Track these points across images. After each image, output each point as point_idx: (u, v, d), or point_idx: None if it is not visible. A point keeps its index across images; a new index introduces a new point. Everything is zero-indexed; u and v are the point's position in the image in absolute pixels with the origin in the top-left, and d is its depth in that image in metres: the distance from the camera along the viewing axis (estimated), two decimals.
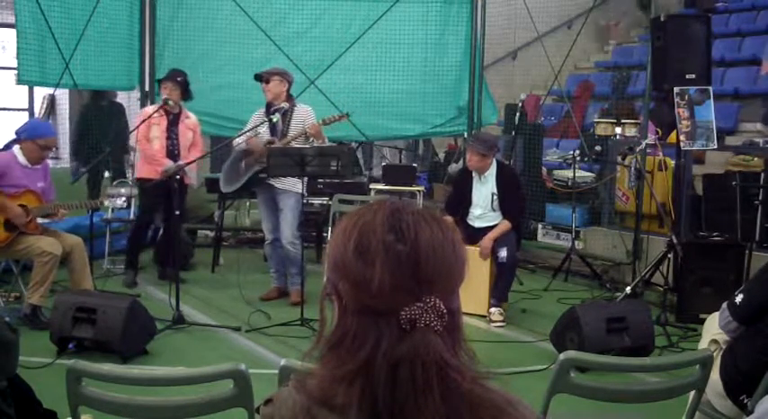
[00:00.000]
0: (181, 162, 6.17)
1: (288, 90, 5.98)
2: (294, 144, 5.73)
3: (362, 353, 1.08)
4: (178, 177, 5.64)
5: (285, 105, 5.86)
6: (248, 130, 5.87)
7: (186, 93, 6.42)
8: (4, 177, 5.21)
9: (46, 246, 5.08)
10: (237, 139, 5.97)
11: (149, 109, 6.57)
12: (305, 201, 5.96)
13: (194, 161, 6.22)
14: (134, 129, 6.27)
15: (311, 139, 5.83)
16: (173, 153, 6.35)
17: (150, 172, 6.27)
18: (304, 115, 5.90)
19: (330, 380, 1.10)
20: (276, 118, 5.77)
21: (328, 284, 1.17)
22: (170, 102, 6.24)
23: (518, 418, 1.14)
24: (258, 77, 6.03)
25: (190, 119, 6.50)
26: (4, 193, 5.19)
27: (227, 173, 6.14)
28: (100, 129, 8.25)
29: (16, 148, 5.39)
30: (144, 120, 6.22)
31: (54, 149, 5.69)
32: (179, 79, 6.37)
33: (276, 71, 6.00)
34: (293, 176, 5.61)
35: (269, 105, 5.93)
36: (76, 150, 8.57)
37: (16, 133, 5.46)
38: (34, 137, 5.31)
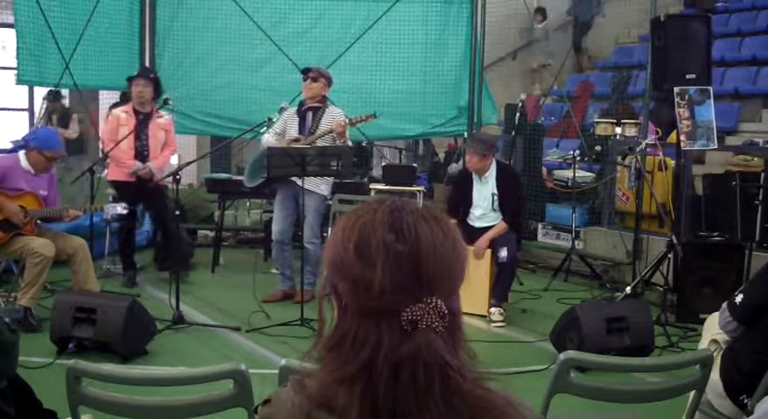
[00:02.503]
0: (150, 164, 6.20)
1: (324, 94, 6.00)
2: (320, 143, 5.74)
3: (363, 355, 1.08)
4: (142, 176, 5.63)
5: (285, 104, 5.89)
6: (251, 129, 5.90)
7: (158, 92, 6.38)
8: (4, 180, 5.20)
9: (38, 247, 5.06)
10: (265, 136, 5.99)
11: (118, 110, 6.49)
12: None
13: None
14: (128, 134, 6.22)
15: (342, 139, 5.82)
16: (141, 153, 6.28)
17: (119, 174, 6.24)
18: (334, 117, 5.90)
19: (330, 382, 1.09)
20: (277, 117, 5.79)
21: (327, 284, 1.15)
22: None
23: None
24: (304, 71, 6.03)
25: (162, 118, 6.44)
26: (4, 193, 5.19)
27: (251, 169, 6.16)
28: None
29: (21, 154, 5.37)
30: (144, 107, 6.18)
31: (60, 159, 5.63)
32: (151, 76, 6.34)
33: (326, 74, 6.02)
34: (294, 176, 5.61)
35: (302, 104, 5.97)
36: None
37: (24, 139, 5.45)
38: (42, 148, 5.30)
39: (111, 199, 6.89)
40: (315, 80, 5.90)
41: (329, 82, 6.00)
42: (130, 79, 6.39)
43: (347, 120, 5.79)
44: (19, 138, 9.61)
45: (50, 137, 5.52)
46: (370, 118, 5.97)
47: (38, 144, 5.34)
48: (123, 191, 6.22)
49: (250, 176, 6.21)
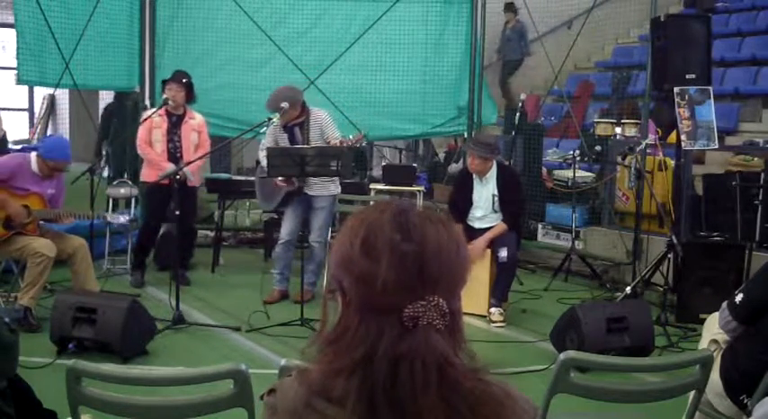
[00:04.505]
0: (183, 168, 6.15)
1: (301, 105, 5.86)
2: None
3: (362, 348, 1.10)
4: (178, 177, 5.61)
5: (284, 104, 5.81)
6: (251, 129, 5.90)
7: (191, 95, 6.36)
8: (12, 179, 5.24)
9: (40, 247, 5.07)
10: (261, 155, 5.98)
11: (150, 112, 6.50)
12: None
13: (192, 162, 6.14)
14: (147, 121, 6.21)
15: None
16: (174, 156, 6.29)
17: (153, 176, 6.23)
18: (320, 120, 5.86)
19: (329, 372, 1.12)
20: (277, 117, 5.76)
21: (333, 281, 1.18)
22: (170, 102, 6.22)
23: (517, 411, 1.16)
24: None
25: (195, 119, 6.43)
26: (11, 192, 5.22)
27: (261, 191, 6.18)
28: (124, 129, 8.19)
29: (33, 155, 5.39)
30: (147, 117, 6.16)
31: (64, 170, 5.64)
32: (184, 81, 6.32)
33: (285, 98, 5.67)
34: (294, 176, 5.60)
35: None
36: (98, 149, 8.55)
37: (37, 143, 5.46)
38: (46, 157, 5.33)
39: (110, 205, 6.92)
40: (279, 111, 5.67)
41: (295, 96, 5.76)
42: (164, 82, 6.39)
43: (338, 144, 5.67)
44: (25, 137, 9.60)
45: (55, 146, 5.49)
46: (359, 139, 5.89)
47: (42, 151, 5.37)
48: (156, 193, 6.20)
49: (264, 201, 6.24)
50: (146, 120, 6.29)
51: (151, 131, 6.27)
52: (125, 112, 8.46)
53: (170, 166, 6.14)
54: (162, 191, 6.02)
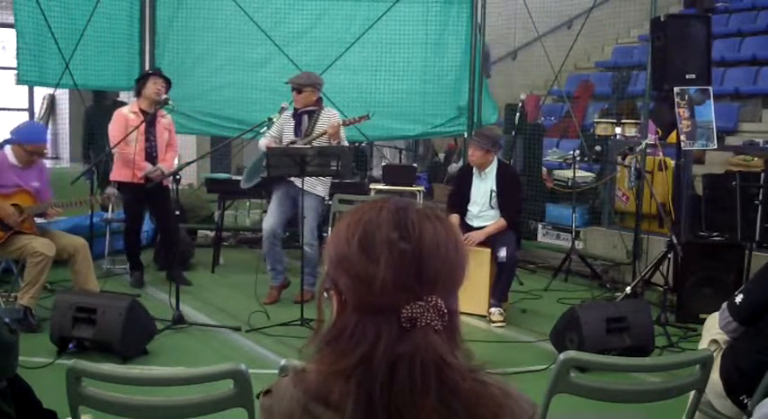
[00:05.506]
0: (161, 166, 6.11)
1: (319, 97, 5.99)
2: (316, 144, 5.73)
3: (360, 350, 1.08)
4: (167, 181, 5.58)
5: (285, 104, 5.88)
6: (251, 129, 5.90)
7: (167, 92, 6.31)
8: None
9: (39, 247, 5.05)
10: (262, 140, 5.99)
11: (125, 110, 6.32)
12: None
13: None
14: (128, 133, 6.12)
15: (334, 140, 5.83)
16: (151, 155, 6.20)
17: (126, 175, 6.11)
18: (330, 118, 5.90)
19: (326, 375, 1.10)
20: (277, 117, 5.77)
21: (328, 279, 1.16)
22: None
23: (516, 411, 1.14)
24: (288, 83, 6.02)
25: (165, 118, 6.36)
26: None
27: (249, 171, 6.17)
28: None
29: (8, 148, 5.34)
30: (139, 124, 6.06)
31: (44, 154, 5.57)
32: (165, 77, 6.29)
33: (309, 83, 5.92)
34: (293, 176, 5.61)
35: (296, 108, 5.95)
36: (85, 153, 8.51)
37: (10, 133, 5.42)
38: (22, 141, 5.27)
39: (111, 205, 6.91)
40: (299, 92, 5.87)
41: (316, 86, 5.96)
42: (146, 76, 6.30)
43: (340, 122, 5.79)
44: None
45: (33, 130, 5.48)
46: (364, 118, 5.95)
47: (19, 137, 5.30)
48: (129, 192, 6.17)
49: (247, 178, 6.20)
50: (141, 123, 6.17)
51: (127, 129, 6.07)
52: (110, 113, 8.40)
53: (148, 166, 6.12)
54: (134, 190, 6.02)
